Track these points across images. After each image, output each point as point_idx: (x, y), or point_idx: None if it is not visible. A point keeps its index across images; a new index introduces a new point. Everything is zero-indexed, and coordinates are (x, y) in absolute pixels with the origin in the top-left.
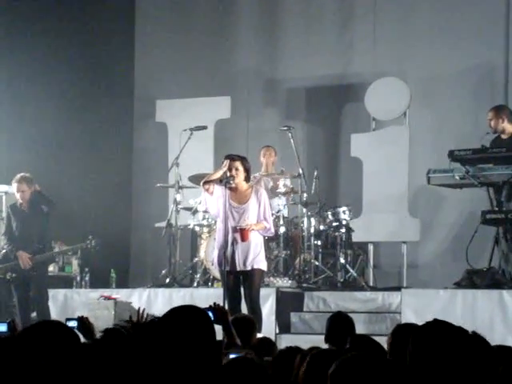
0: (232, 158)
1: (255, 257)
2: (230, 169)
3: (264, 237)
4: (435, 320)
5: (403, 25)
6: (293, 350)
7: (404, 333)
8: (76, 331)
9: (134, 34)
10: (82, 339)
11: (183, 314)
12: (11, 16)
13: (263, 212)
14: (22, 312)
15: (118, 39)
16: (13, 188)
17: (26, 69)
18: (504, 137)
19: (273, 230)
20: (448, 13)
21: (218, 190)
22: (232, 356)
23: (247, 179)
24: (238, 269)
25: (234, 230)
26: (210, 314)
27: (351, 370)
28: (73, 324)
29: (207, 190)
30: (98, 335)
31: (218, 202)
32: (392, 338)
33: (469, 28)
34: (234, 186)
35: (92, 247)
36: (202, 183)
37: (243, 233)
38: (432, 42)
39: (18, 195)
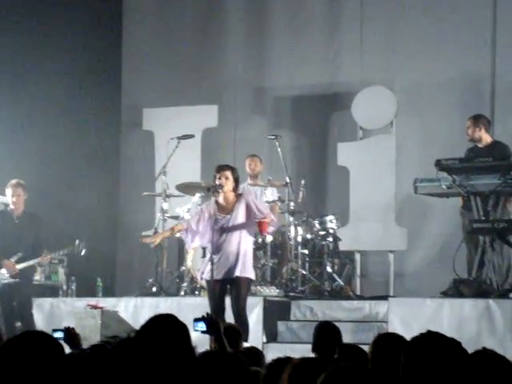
0: (222, 168)
1: (243, 265)
2: (219, 177)
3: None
4: (428, 331)
5: (390, 34)
6: (283, 361)
7: (385, 342)
8: (62, 342)
9: (121, 42)
10: (68, 350)
11: (160, 324)
12: None
13: (258, 209)
14: (7, 321)
15: (104, 47)
16: (7, 193)
17: (12, 77)
18: (480, 146)
19: (276, 220)
20: (435, 22)
21: (201, 213)
22: None
23: (235, 189)
24: (226, 277)
25: (221, 239)
26: (203, 323)
27: (341, 381)
28: (59, 335)
29: (187, 229)
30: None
31: (203, 224)
32: (373, 347)
33: (455, 38)
34: (221, 194)
35: (79, 251)
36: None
37: (262, 225)
38: (419, 51)
39: (13, 199)
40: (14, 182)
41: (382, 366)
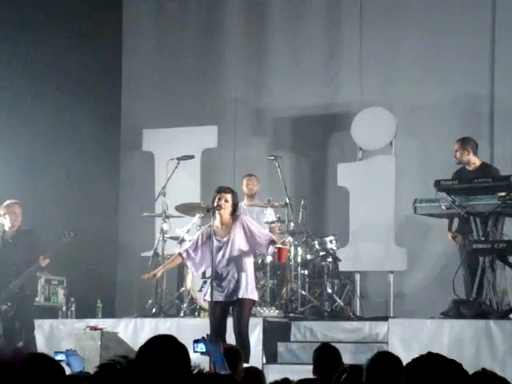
0: (223, 190)
1: (246, 286)
2: (219, 198)
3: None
4: (429, 353)
5: (389, 55)
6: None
7: (380, 362)
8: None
9: (121, 63)
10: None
11: (159, 345)
12: None
13: (260, 233)
14: (8, 343)
15: (104, 68)
16: (3, 211)
17: (11, 99)
18: (469, 168)
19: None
20: (434, 44)
21: (197, 239)
22: None
23: (233, 213)
24: (228, 299)
25: (222, 261)
26: (203, 345)
27: None
28: (61, 357)
29: (187, 257)
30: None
31: (201, 250)
32: (368, 366)
33: (454, 59)
34: (218, 216)
35: (72, 239)
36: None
37: (282, 252)
38: (418, 72)
39: (10, 217)
40: (12, 201)
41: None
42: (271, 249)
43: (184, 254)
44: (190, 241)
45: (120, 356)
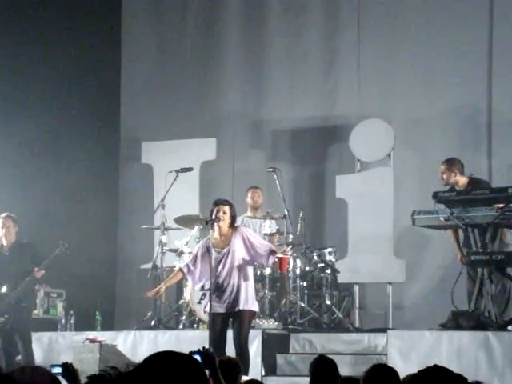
0: (221, 202)
1: (246, 298)
2: (218, 211)
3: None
4: (435, 366)
5: (387, 68)
6: None
7: (376, 374)
8: (60, 377)
9: (120, 75)
10: None
11: (167, 361)
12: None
13: (260, 243)
14: (7, 355)
15: (103, 81)
16: None
17: (11, 108)
18: (458, 188)
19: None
20: (432, 56)
21: (197, 252)
22: None
23: (231, 225)
24: (228, 311)
25: (221, 272)
26: (198, 357)
27: None
28: (57, 370)
29: (188, 272)
30: (83, 381)
31: (201, 263)
32: (365, 378)
33: (452, 70)
34: (217, 228)
35: (66, 249)
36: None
37: (284, 261)
38: (416, 84)
39: (2, 231)
40: (3, 214)
41: None
42: (271, 259)
43: (185, 270)
44: (189, 253)
45: (110, 367)
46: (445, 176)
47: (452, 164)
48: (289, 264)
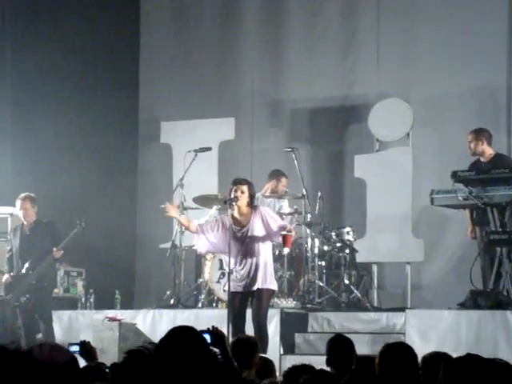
0: (239, 181)
1: (265, 277)
2: (236, 190)
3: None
4: (468, 354)
5: (406, 46)
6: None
7: (393, 352)
8: (78, 355)
9: (139, 56)
10: (84, 363)
11: (180, 336)
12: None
13: (275, 221)
14: (27, 334)
15: (122, 61)
16: (16, 206)
17: (30, 92)
18: (483, 160)
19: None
20: (451, 35)
21: (217, 222)
22: None
23: (250, 204)
24: (247, 289)
25: (240, 251)
26: (208, 336)
27: None
28: (75, 349)
29: (200, 230)
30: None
31: (216, 234)
32: (381, 356)
33: (472, 49)
34: (236, 207)
35: (83, 228)
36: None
37: (288, 238)
38: (435, 63)
39: (20, 213)
40: (22, 195)
41: (389, 375)
42: (278, 236)
43: (198, 228)
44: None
45: (149, 342)
46: (472, 145)
47: (480, 133)
48: (293, 243)
